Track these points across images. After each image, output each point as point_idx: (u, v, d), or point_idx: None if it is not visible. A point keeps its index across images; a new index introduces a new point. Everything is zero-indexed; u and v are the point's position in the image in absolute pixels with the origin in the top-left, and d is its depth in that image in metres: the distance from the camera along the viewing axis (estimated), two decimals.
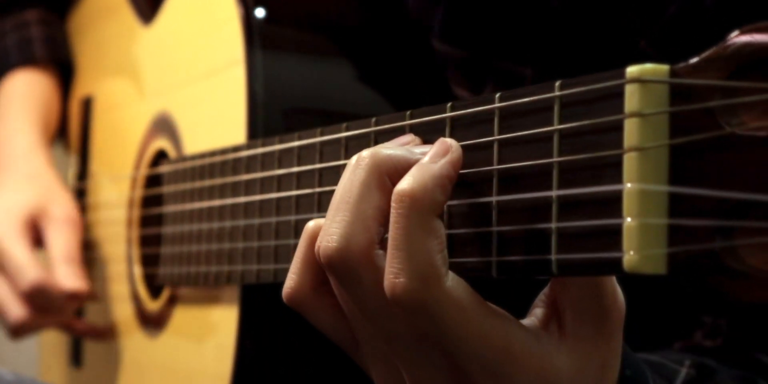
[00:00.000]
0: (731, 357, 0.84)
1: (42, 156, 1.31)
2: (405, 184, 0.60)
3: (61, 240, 1.24)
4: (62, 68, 1.39)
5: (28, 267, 1.20)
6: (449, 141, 0.62)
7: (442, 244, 0.61)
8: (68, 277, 1.20)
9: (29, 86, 1.35)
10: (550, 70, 0.91)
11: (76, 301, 1.22)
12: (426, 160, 0.61)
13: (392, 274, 0.60)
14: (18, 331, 1.23)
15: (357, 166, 0.63)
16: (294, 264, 0.68)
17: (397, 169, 0.62)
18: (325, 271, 0.66)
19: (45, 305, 1.21)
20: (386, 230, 0.62)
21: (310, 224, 0.68)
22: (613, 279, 0.63)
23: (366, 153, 0.63)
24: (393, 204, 0.60)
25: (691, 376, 0.81)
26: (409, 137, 0.67)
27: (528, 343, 0.61)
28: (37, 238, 1.25)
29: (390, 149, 0.63)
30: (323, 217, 0.76)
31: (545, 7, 0.90)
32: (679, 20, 0.84)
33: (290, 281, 0.68)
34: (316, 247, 0.64)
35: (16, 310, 1.21)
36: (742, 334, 0.85)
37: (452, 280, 0.60)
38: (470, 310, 0.60)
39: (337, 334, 0.68)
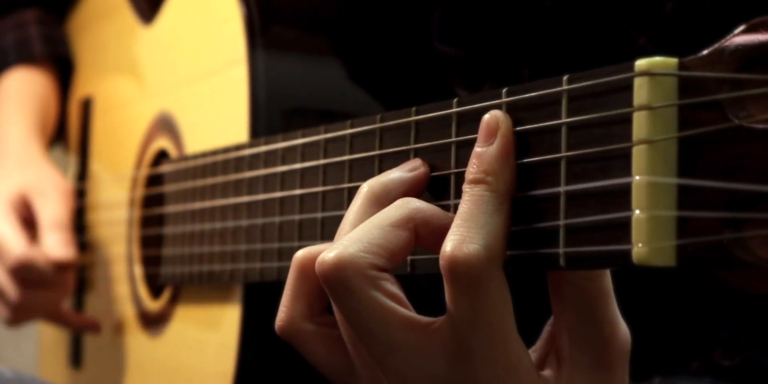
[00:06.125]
0: (750, 378, 0.83)
1: (35, 146, 1.29)
2: (472, 171, 0.59)
3: (50, 207, 1.20)
4: (61, 66, 1.39)
5: (12, 242, 1.17)
6: (494, 116, 0.60)
7: (509, 229, 0.59)
8: (55, 246, 1.16)
9: (26, 85, 1.34)
10: (548, 70, 0.91)
11: (65, 272, 1.18)
12: (480, 144, 0.60)
13: (457, 240, 0.58)
14: (14, 312, 1.19)
15: (382, 208, 0.63)
16: (285, 295, 0.67)
17: (428, 225, 0.62)
18: (317, 300, 0.65)
19: (34, 280, 1.17)
20: (392, 265, 0.61)
21: (299, 254, 0.67)
22: (615, 310, 0.62)
23: (399, 201, 0.62)
24: (465, 191, 0.59)
25: None
26: (417, 162, 0.67)
27: (531, 369, 0.60)
28: (29, 218, 1.22)
29: (425, 204, 0.62)
30: (326, 217, 0.77)
31: (539, 8, 0.90)
32: (676, 16, 0.84)
33: (282, 314, 0.67)
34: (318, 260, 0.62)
35: (10, 290, 1.18)
36: (761, 351, 0.85)
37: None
38: (508, 306, 0.59)
39: (330, 366, 0.66)
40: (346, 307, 0.61)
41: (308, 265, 0.66)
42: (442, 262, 0.58)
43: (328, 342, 0.66)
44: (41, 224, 1.20)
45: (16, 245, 1.17)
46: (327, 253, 0.61)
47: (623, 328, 0.62)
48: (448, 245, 0.58)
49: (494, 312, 0.58)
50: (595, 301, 0.61)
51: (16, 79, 1.35)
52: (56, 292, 1.21)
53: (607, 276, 0.61)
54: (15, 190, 1.23)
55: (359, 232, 0.61)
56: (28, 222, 1.22)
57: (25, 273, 1.17)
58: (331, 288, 0.61)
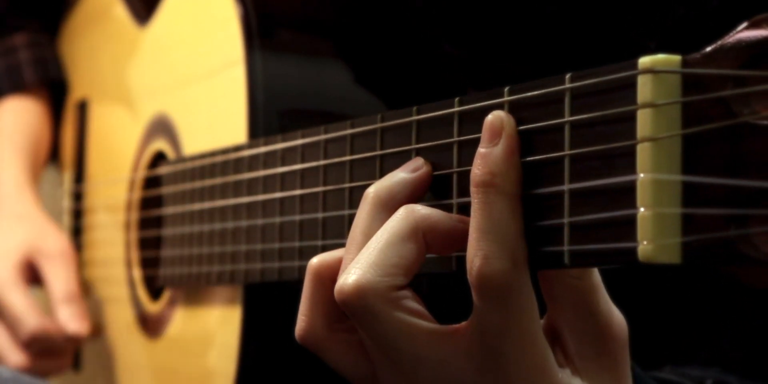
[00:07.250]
0: (757, 368, 0.84)
1: (29, 194, 1.32)
2: (478, 173, 0.60)
3: (60, 277, 1.25)
4: (53, 88, 1.39)
5: (27, 315, 1.21)
6: (498, 116, 0.60)
7: (524, 229, 0.60)
8: (70, 320, 1.21)
9: (20, 117, 1.36)
10: (556, 73, 0.91)
11: (76, 343, 1.23)
12: (484, 145, 0.60)
13: (482, 257, 0.59)
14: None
15: (390, 212, 0.63)
16: (303, 304, 0.68)
17: (434, 230, 0.62)
18: (335, 307, 0.66)
19: (46, 349, 1.22)
20: (410, 279, 0.62)
21: (314, 261, 0.67)
22: (608, 300, 0.63)
23: (402, 210, 0.63)
24: (474, 195, 0.60)
25: None
26: (419, 161, 0.67)
27: (555, 367, 0.62)
28: (33, 276, 1.26)
29: (428, 210, 0.63)
30: (327, 217, 0.77)
31: (546, 12, 0.90)
32: (687, 21, 0.84)
33: (301, 322, 0.67)
34: (337, 286, 0.63)
35: (16, 358, 1.22)
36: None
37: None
38: (535, 307, 0.60)
39: (353, 371, 0.67)
40: (372, 330, 0.62)
41: (324, 273, 0.66)
42: (471, 280, 0.59)
43: (349, 347, 0.67)
44: (53, 296, 1.24)
45: (31, 318, 1.21)
46: (345, 279, 0.62)
47: (618, 315, 0.64)
48: (475, 264, 0.59)
49: (525, 316, 0.60)
50: (587, 296, 0.63)
51: (9, 110, 1.36)
52: (61, 361, 1.25)
53: (596, 272, 0.63)
54: (20, 253, 1.26)
55: (373, 255, 0.62)
56: (34, 280, 1.26)
57: (38, 344, 1.22)
58: (355, 315, 0.62)
